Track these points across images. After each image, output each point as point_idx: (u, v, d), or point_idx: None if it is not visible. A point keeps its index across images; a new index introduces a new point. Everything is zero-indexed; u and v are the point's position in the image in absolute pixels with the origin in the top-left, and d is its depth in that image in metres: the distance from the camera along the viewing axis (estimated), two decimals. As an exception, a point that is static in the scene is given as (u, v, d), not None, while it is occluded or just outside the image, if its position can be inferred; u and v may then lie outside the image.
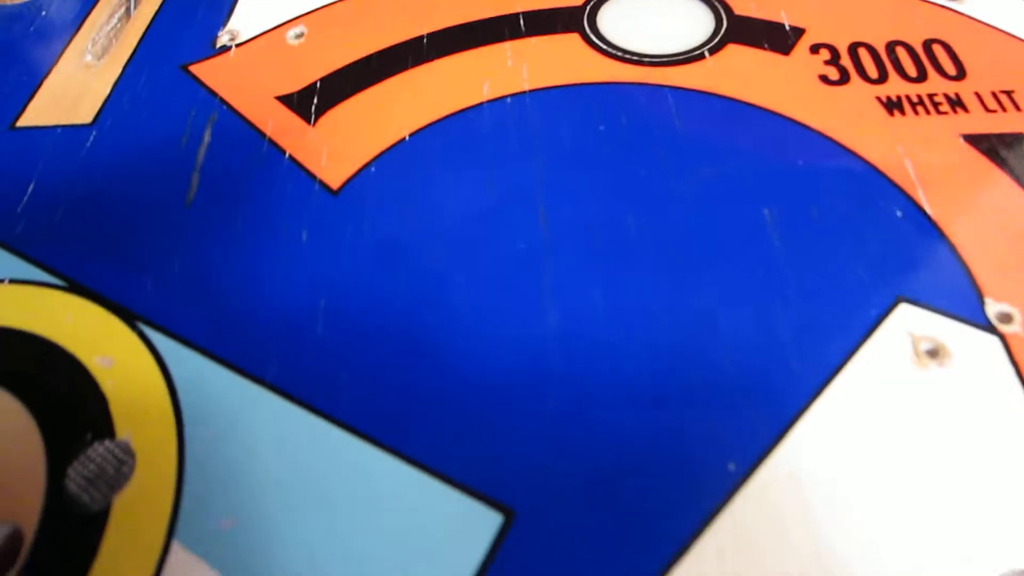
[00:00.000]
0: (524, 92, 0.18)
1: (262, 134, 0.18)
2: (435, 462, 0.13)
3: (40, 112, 0.19)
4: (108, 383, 0.14)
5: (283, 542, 0.12)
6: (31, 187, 0.17)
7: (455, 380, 0.14)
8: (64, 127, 0.19)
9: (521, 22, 0.20)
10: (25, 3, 0.22)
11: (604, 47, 0.19)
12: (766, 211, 0.15)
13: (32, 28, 0.21)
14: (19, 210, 0.17)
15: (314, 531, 0.12)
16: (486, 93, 0.18)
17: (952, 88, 0.18)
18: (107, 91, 0.19)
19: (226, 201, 0.17)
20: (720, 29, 0.19)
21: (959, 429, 0.13)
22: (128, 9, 0.22)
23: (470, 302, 0.15)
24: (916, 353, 0.14)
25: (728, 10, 0.20)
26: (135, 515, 0.12)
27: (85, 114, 0.19)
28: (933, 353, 0.14)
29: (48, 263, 0.16)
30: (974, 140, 0.17)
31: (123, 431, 0.13)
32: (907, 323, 0.14)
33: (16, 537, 0.12)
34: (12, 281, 0.16)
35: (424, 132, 0.17)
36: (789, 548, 0.12)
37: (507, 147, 0.17)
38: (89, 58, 0.20)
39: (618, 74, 0.18)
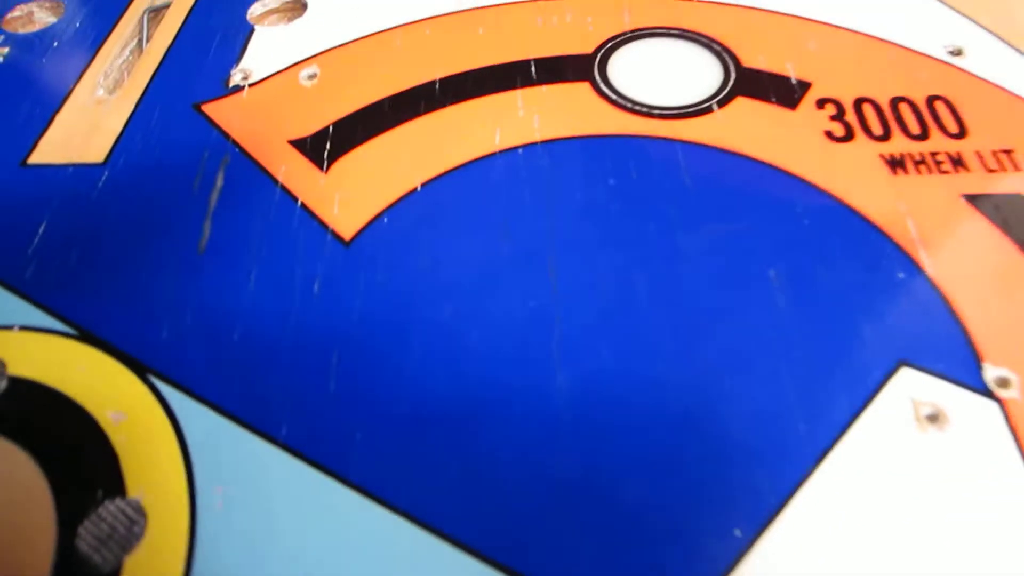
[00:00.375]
0: (536, 143, 0.18)
1: (275, 180, 0.18)
2: (450, 528, 0.13)
3: (52, 149, 0.19)
4: (119, 438, 0.14)
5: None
6: (42, 228, 0.17)
7: (468, 442, 0.14)
8: (76, 166, 0.19)
9: (532, 70, 0.20)
10: (38, 32, 0.22)
11: (614, 97, 0.19)
12: (772, 272, 0.16)
13: (45, 58, 0.21)
14: (30, 252, 0.17)
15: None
16: (498, 143, 0.18)
17: (954, 147, 0.18)
18: (119, 128, 0.19)
19: (239, 248, 0.17)
20: (728, 81, 0.20)
21: (957, 495, 0.13)
22: (140, 42, 0.22)
23: (482, 360, 0.15)
24: (917, 418, 0.14)
25: (736, 61, 0.20)
26: (148, 576, 0.13)
27: (97, 153, 0.19)
28: (933, 418, 0.14)
29: (59, 310, 0.16)
30: (975, 200, 0.17)
31: (134, 489, 0.13)
32: (908, 387, 0.14)
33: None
34: (22, 328, 0.16)
35: (436, 182, 0.18)
36: (795, 621, 0.12)
37: (519, 200, 0.17)
38: (101, 92, 0.20)
39: (628, 126, 0.19)
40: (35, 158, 0.19)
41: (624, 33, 0.21)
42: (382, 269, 0.16)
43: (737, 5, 0.22)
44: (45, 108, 0.20)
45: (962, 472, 0.13)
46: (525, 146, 0.18)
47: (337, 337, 0.15)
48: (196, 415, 0.14)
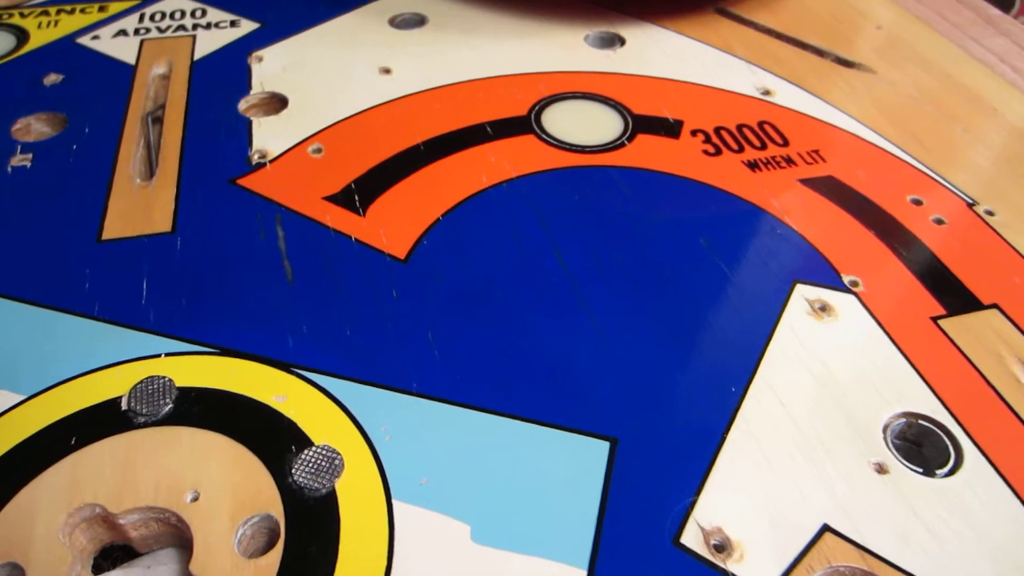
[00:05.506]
0: (513, 178, 0.26)
1: (325, 225, 0.24)
2: (542, 415, 0.20)
3: (119, 226, 0.24)
4: (291, 411, 0.19)
5: (467, 485, 0.18)
6: (144, 284, 0.22)
7: (537, 362, 0.21)
8: (149, 236, 0.24)
9: (488, 129, 0.28)
10: (53, 139, 0.27)
11: (554, 142, 0.28)
12: (702, 239, 0.25)
13: (72, 161, 0.26)
14: (143, 303, 0.22)
15: (482, 484, 0.19)
16: (485, 182, 0.26)
17: (783, 152, 0.28)
18: (172, 204, 0.25)
19: (321, 276, 0.23)
20: (628, 125, 0.29)
21: (841, 344, 0.22)
22: (147, 140, 0.27)
23: (526, 315, 0.22)
24: (814, 310, 0.23)
25: (630, 112, 0.30)
26: (357, 491, 0.18)
27: (163, 224, 0.24)
28: (823, 308, 0.23)
29: (193, 337, 0.21)
30: (806, 182, 0.27)
31: (320, 440, 0.19)
32: (804, 293, 0.23)
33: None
34: (168, 355, 0.20)
35: (453, 212, 0.25)
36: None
37: (518, 216, 0.25)
38: (138, 180, 0.25)
39: (571, 160, 0.27)
40: (108, 234, 0.24)
41: (545, 98, 0.30)
42: (438, 273, 0.23)
43: (618, 73, 0.31)
44: (93, 198, 0.25)
45: (843, 333, 0.22)
46: (507, 181, 0.26)
47: (424, 321, 0.22)
48: (342, 387, 0.20)
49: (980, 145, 0.29)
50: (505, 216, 0.25)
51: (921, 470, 0.19)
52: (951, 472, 0.19)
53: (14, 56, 0.30)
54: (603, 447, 0.19)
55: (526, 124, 0.29)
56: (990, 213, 0.26)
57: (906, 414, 0.21)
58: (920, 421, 0.20)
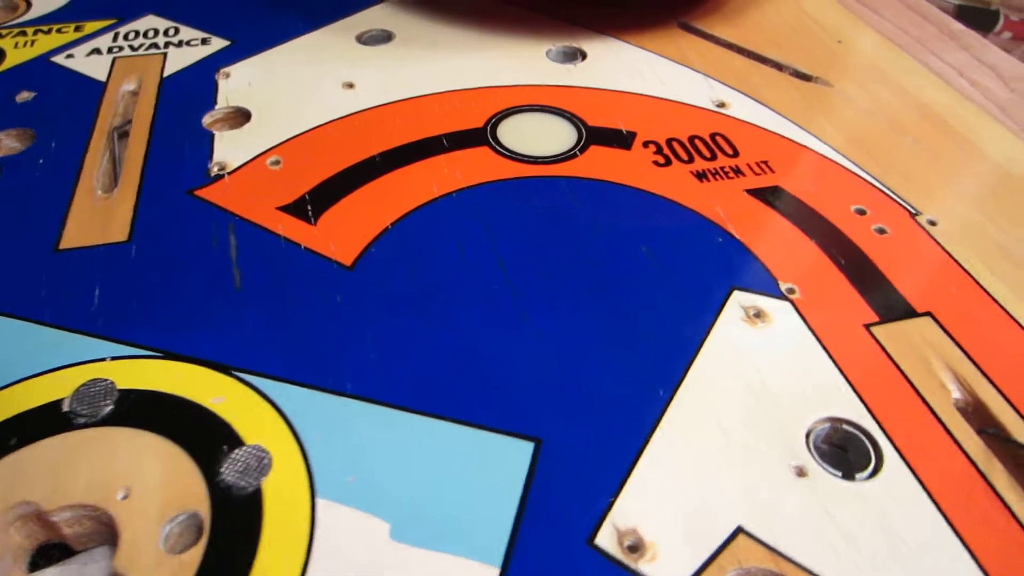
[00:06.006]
0: (463, 188, 0.27)
1: (276, 234, 0.25)
2: (472, 417, 0.20)
3: (76, 236, 0.25)
4: (227, 413, 0.20)
5: (391, 483, 0.19)
6: (97, 291, 0.23)
7: (470, 365, 0.21)
8: (105, 245, 0.24)
9: (444, 141, 0.29)
10: (21, 153, 0.28)
11: (507, 154, 0.29)
12: (644, 248, 0.25)
13: (37, 173, 0.27)
14: (93, 309, 0.23)
15: (407, 483, 0.19)
16: (436, 191, 0.27)
17: (732, 162, 0.29)
18: (130, 215, 0.26)
19: (269, 282, 0.23)
20: (582, 136, 0.30)
21: (772, 350, 0.23)
22: (113, 153, 0.28)
23: (465, 320, 0.23)
24: (748, 316, 0.24)
25: (584, 123, 0.30)
26: (283, 489, 0.19)
27: (119, 233, 0.25)
28: (757, 315, 0.24)
29: (138, 341, 0.22)
30: (752, 192, 0.28)
31: (252, 440, 0.20)
32: (740, 299, 0.24)
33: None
34: (113, 358, 0.21)
35: (401, 222, 0.26)
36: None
37: (464, 225, 0.26)
38: (100, 192, 0.26)
39: (523, 171, 0.28)
40: (65, 244, 0.24)
41: (502, 111, 0.31)
42: (383, 279, 0.24)
43: (577, 87, 0.32)
44: (54, 209, 0.26)
45: (775, 338, 0.23)
46: (456, 191, 0.27)
47: (364, 326, 0.22)
48: (279, 388, 0.21)
49: (929, 156, 0.30)
50: (452, 225, 0.26)
51: (840, 473, 0.20)
52: (871, 476, 0.20)
53: (-11, 75, 0.32)
54: (527, 448, 0.20)
55: (482, 136, 0.29)
56: (932, 223, 0.27)
57: (831, 419, 0.21)
58: (844, 426, 0.21)
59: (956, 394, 0.22)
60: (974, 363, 0.22)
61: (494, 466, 0.20)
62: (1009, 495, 0.19)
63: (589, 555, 0.18)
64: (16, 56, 0.33)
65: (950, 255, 0.26)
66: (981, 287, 0.25)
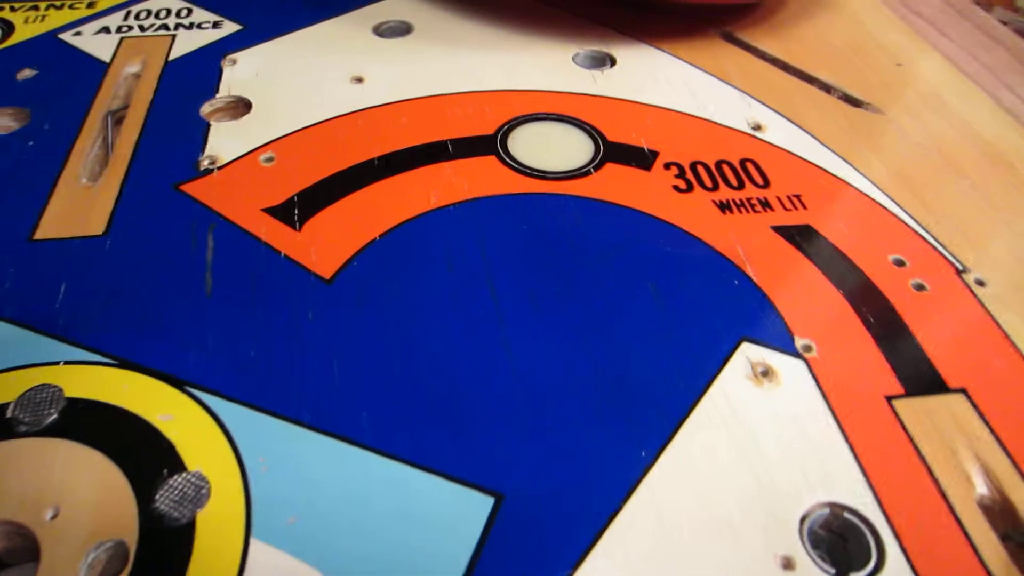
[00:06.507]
0: (463, 201, 0.25)
1: (258, 238, 0.24)
2: (432, 462, 0.19)
3: (52, 226, 0.24)
4: (173, 433, 0.19)
5: (334, 528, 0.18)
6: (63, 287, 0.22)
7: (440, 403, 0.20)
8: (80, 238, 0.23)
9: (449, 147, 0.27)
10: (12, 133, 0.27)
11: (515, 166, 0.27)
12: (649, 284, 0.23)
13: (24, 155, 0.26)
14: (57, 307, 0.22)
15: (350, 531, 0.18)
16: (433, 202, 0.25)
17: (761, 193, 0.27)
18: (111, 207, 0.24)
19: (240, 291, 0.22)
20: (599, 152, 0.28)
21: (781, 418, 0.20)
22: (106, 139, 0.27)
23: (441, 351, 0.21)
24: (755, 374, 0.21)
25: (604, 138, 0.28)
26: (217, 524, 0.17)
27: (96, 227, 0.24)
28: (765, 372, 0.21)
29: (96, 346, 0.21)
30: (779, 230, 0.25)
31: (193, 466, 0.18)
32: (748, 353, 0.22)
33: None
34: (67, 363, 0.20)
35: (390, 234, 0.24)
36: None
37: (458, 242, 0.24)
38: (84, 180, 0.25)
39: (530, 186, 0.26)
40: (40, 234, 0.24)
41: (516, 118, 0.29)
42: (360, 297, 0.22)
43: (600, 96, 0.30)
44: (36, 195, 0.25)
45: (781, 402, 0.21)
46: (455, 204, 0.25)
47: (332, 349, 0.21)
48: (231, 410, 0.19)
49: (986, 204, 0.27)
50: (444, 242, 0.24)
51: (833, 571, 0.18)
52: (868, 576, 0.18)
53: (-5, 49, 0.31)
54: (487, 503, 0.18)
55: (491, 144, 0.28)
56: (981, 283, 0.24)
57: (831, 504, 0.19)
58: (845, 514, 0.19)
59: (982, 489, 0.19)
60: (1008, 455, 0.20)
61: (448, 521, 0.18)
62: (1027, 613, 0.17)
63: (539, 631, 0.16)
64: (24, 31, 0.32)
65: (997, 323, 0.23)
66: (1026, 360, 0.22)
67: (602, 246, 0.24)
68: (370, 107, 0.29)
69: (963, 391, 0.21)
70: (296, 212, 0.25)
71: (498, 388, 0.20)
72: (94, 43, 0.32)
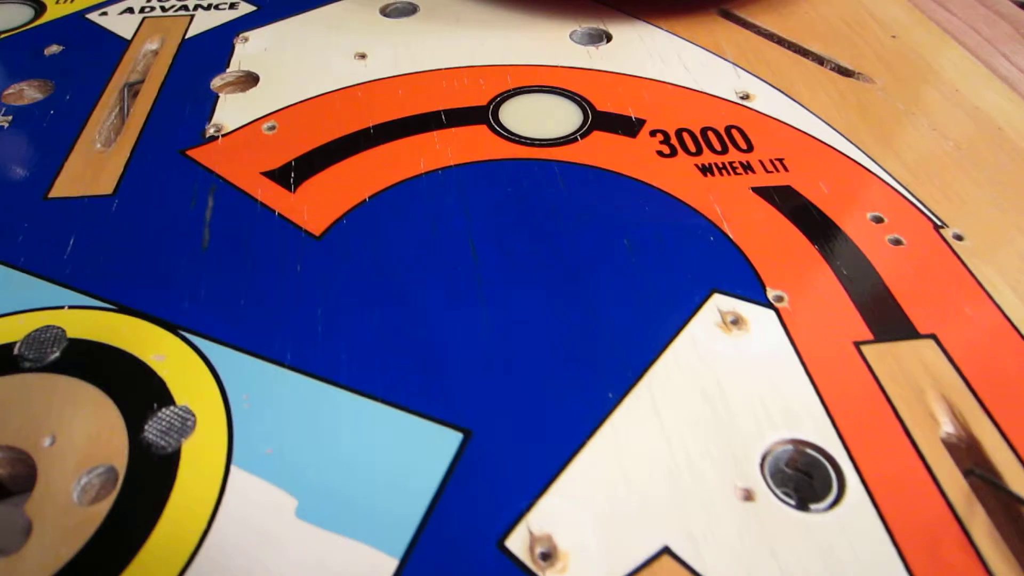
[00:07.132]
0: (450, 166, 0.26)
1: (255, 199, 0.25)
2: (404, 400, 0.19)
3: (66, 186, 0.25)
4: (164, 371, 0.20)
5: (309, 459, 0.18)
6: (72, 241, 0.23)
7: (416, 349, 0.21)
8: (90, 197, 0.25)
9: (443, 117, 0.28)
10: (36, 103, 0.29)
11: (505, 134, 0.27)
12: (625, 240, 0.24)
13: (45, 123, 0.28)
14: (65, 257, 0.23)
15: (324, 461, 0.18)
16: (422, 167, 0.26)
17: (744, 157, 0.27)
18: (120, 170, 0.26)
19: (235, 245, 0.23)
20: (587, 120, 0.28)
21: (748, 367, 0.21)
22: (122, 109, 0.28)
23: (419, 301, 0.22)
24: (725, 322, 0.22)
25: (592, 107, 0.29)
26: (200, 453, 0.18)
27: (106, 187, 0.25)
28: (735, 321, 0.22)
29: (98, 293, 0.22)
30: (758, 191, 0.26)
31: (181, 401, 0.19)
32: (719, 304, 0.22)
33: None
34: (71, 307, 0.21)
35: (380, 195, 0.25)
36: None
37: (443, 203, 0.25)
38: (99, 146, 0.27)
39: (517, 153, 0.27)
40: (54, 193, 0.25)
41: (507, 90, 0.30)
42: (347, 252, 0.23)
43: (591, 69, 0.31)
44: (53, 158, 0.26)
45: (749, 349, 0.21)
46: (444, 168, 0.26)
47: (317, 298, 0.22)
48: (220, 352, 0.20)
49: (970, 165, 0.27)
50: (430, 203, 0.25)
51: (793, 503, 0.18)
52: (828, 508, 0.18)
53: (26, 27, 0.33)
54: (455, 438, 0.19)
55: (482, 115, 0.28)
56: (959, 238, 0.24)
57: (794, 440, 0.19)
58: (807, 450, 0.19)
59: (948, 428, 0.19)
60: (975, 395, 0.20)
61: (417, 454, 0.19)
62: (986, 547, 0.17)
63: (496, 557, 0.17)
64: (55, 11, 0.34)
65: (971, 272, 0.23)
66: (1000, 310, 0.22)
67: (582, 206, 0.25)
68: (370, 81, 0.30)
69: (933, 336, 0.21)
70: (292, 175, 0.26)
71: (473, 337, 0.21)
72: (118, 22, 0.33)
